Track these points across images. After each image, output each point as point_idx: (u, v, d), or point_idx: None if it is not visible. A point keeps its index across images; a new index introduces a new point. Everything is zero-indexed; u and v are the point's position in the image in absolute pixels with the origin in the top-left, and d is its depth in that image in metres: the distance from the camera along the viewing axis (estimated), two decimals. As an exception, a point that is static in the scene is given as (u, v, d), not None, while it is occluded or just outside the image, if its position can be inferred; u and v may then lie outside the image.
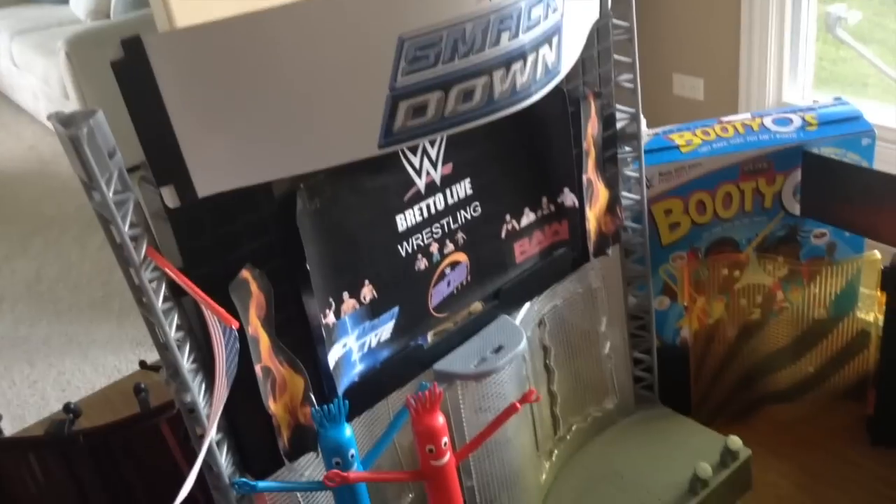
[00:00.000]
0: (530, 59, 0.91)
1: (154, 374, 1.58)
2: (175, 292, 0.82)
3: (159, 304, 0.80)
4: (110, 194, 0.74)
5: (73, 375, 3.16)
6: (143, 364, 1.30)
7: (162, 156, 0.76)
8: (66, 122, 0.72)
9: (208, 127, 0.77)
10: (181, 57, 0.73)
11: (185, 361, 0.84)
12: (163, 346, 0.84)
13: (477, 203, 1.06)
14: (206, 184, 0.79)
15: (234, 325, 0.77)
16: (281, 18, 0.75)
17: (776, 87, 2.96)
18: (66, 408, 1.18)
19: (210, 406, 0.86)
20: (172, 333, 0.82)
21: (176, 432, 1.18)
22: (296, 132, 0.81)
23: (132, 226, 0.77)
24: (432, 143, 0.99)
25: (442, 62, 0.84)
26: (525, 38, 0.89)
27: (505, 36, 0.87)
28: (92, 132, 0.71)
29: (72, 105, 4.41)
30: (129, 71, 0.72)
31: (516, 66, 0.89)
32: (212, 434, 0.84)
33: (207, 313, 0.78)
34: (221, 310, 0.77)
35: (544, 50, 0.93)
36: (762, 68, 2.93)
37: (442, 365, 1.08)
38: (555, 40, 0.95)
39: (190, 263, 0.82)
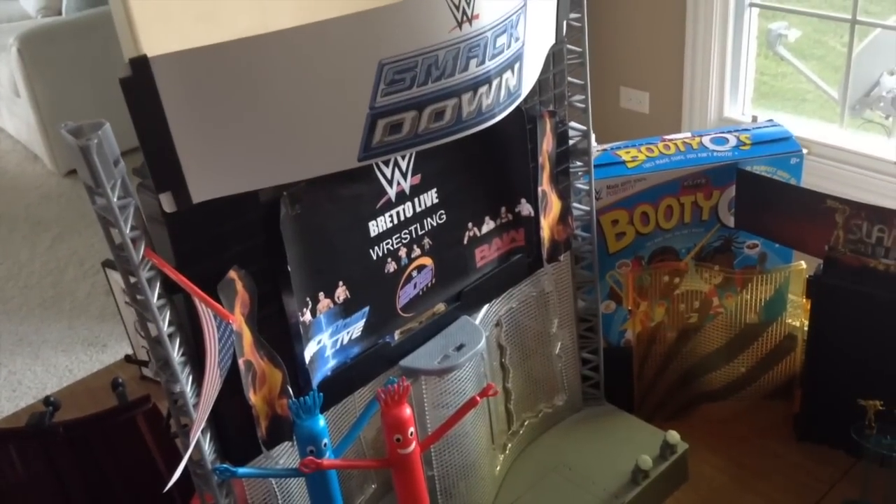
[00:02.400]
0: (495, 83, 1.00)
1: (118, 371, 1.63)
2: (168, 290, 0.89)
3: (154, 300, 0.87)
4: (115, 199, 0.81)
5: (24, 375, 3.13)
6: (128, 358, 1.35)
7: (162, 165, 0.83)
8: (76, 132, 0.78)
9: (205, 139, 0.84)
10: (183, 76, 0.80)
11: (176, 354, 0.91)
12: (155, 340, 0.90)
13: (442, 211, 1.15)
14: (201, 191, 0.86)
15: (232, 319, 0.84)
16: (274, 43, 0.83)
17: (718, 102, 3.06)
18: (47, 401, 1.23)
19: (197, 397, 0.93)
20: (165, 328, 0.89)
21: (151, 425, 1.24)
22: (284, 145, 0.88)
23: (132, 228, 0.84)
24: (403, 156, 1.07)
25: (417, 85, 0.92)
26: (491, 65, 0.98)
27: (473, 62, 0.96)
28: (100, 142, 0.78)
29: (22, 103, 4.36)
30: (136, 88, 0.79)
31: (482, 89, 0.98)
32: (203, 423, 0.91)
33: (202, 309, 0.85)
34: (218, 306, 0.84)
35: (507, 75, 1.02)
36: (705, 84, 3.03)
37: (408, 361, 1.16)
38: (517, 66, 1.04)
39: (182, 264, 0.88)
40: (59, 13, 4.92)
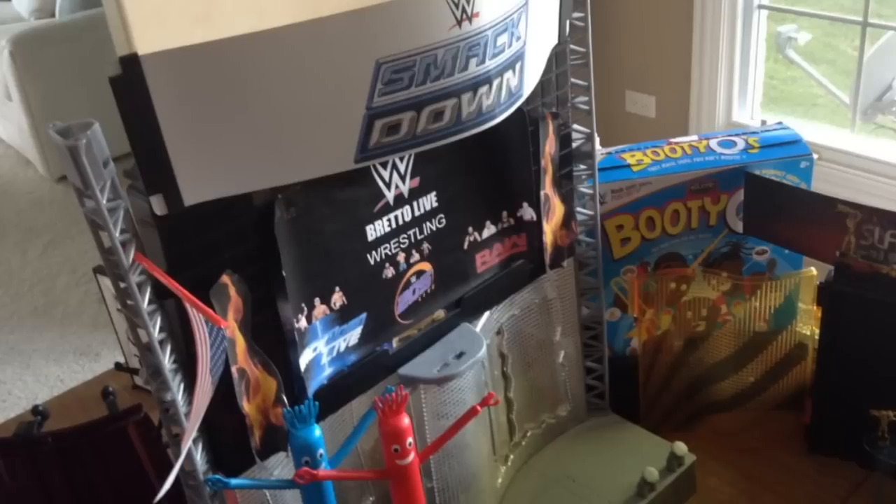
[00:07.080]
0: (495, 83, 0.97)
1: (109, 379, 1.60)
2: (159, 295, 0.86)
3: (144, 306, 0.84)
4: (104, 201, 0.78)
5: (14, 385, 3.09)
6: (118, 365, 1.32)
7: (153, 166, 0.80)
8: (64, 132, 0.75)
9: (197, 139, 0.81)
10: (175, 75, 0.77)
11: (167, 361, 0.88)
12: (145, 347, 0.87)
13: (442, 215, 1.12)
14: (193, 193, 0.83)
15: (225, 325, 0.81)
16: (268, 42, 0.80)
17: (726, 106, 3.02)
18: (35, 410, 1.20)
19: (189, 405, 0.90)
20: (156, 334, 0.86)
21: (142, 435, 1.21)
22: (278, 146, 0.85)
23: (122, 232, 0.81)
24: (401, 158, 1.04)
25: (415, 84, 0.89)
26: (491, 64, 0.95)
27: (473, 62, 0.93)
28: (89, 143, 0.75)
29: (14, 106, 4.33)
30: (126, 86, 0.76)
31: (483, 89, 0.95)
32: (194, 432, 0.87)
33: (193, 315, 0.82)
34: (211, 311, 0.81)
35: (508, 75, 0.99)
36: (712, 87, 3.00)
37: (406, 369, 1.13)
38: (518, 66, 1.01)
39: (174, 268, 0.85)
40: (53, 15, 4.89)
